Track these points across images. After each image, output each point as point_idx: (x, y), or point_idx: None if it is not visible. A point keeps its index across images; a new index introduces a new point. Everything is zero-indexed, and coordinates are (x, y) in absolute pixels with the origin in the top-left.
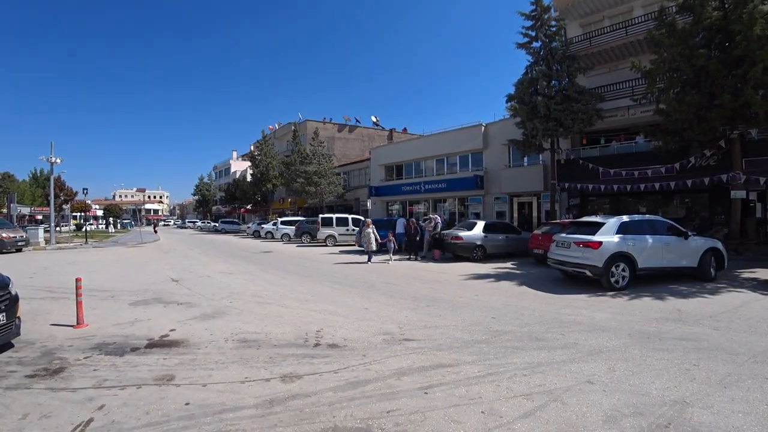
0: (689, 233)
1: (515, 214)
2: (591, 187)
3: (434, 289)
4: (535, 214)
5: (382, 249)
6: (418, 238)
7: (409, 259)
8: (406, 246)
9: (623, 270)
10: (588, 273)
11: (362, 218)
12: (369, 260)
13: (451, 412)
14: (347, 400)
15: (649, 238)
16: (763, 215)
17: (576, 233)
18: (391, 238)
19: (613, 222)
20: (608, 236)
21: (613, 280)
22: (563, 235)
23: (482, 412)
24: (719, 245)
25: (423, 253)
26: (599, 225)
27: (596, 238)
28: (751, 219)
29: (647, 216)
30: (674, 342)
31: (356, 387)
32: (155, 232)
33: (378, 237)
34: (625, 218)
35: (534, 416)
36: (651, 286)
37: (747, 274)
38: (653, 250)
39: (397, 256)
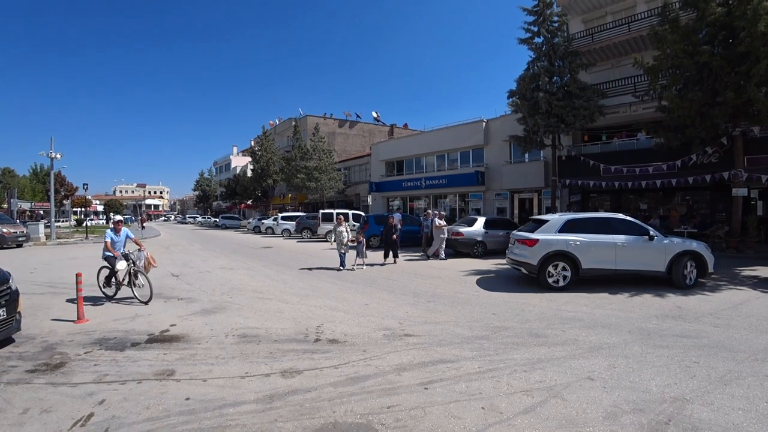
0: (656, 234)
1: (516, 211)
2: (592, 184)
3: (434, 285)
4: (535, 210)
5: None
6: (395, 237)
7: (383, 264)
8: (386, 245)
9: (563, 269)
10: (524, 270)
11: (362, 213)
12: (342, 265)
13: (451, 408)
14: (347, 395)
15: (599, 238)
16: (765, 213)
17: (525, 230)
18: (361, 239)
19: (557, 219)
20: (548, 234)
21: (551, 280)
22: (515, 232)
23: (482, 407)
24: (700, 248)
25: (430, 252)
26: (544, 222)
27: (533, 235)
28: (752, 217)
29: (603, 214)
30: (674, 339)
31: (356, 382)
32: (143, 227)
33: (348, 236)
34: (572, 215)
35: (534, 412)
36: (651, 284)
37: (747, 271)
38: (603, 251)
39: (368, 258)
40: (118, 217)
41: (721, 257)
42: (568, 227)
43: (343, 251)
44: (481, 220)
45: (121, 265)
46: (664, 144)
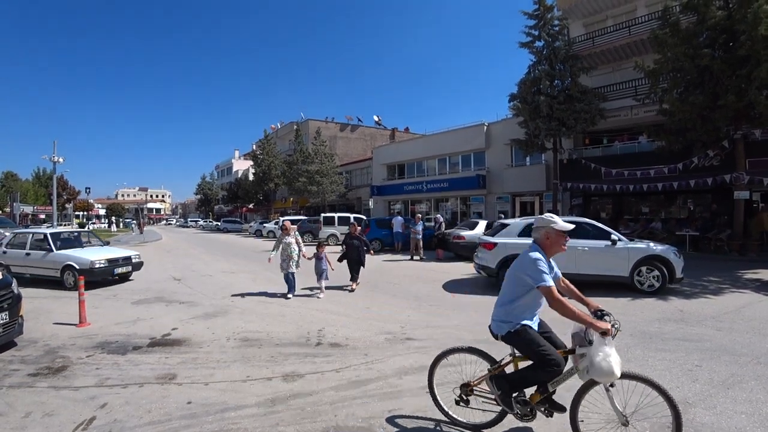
0: (619, 238)
1: (517, 214)
2: (593, 187)
3: (436, 289)
4: (537, 213)
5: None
6: (370, 252)
7: (349, 288)
8: (348, 264)
9: None
10: (483, 274)
11: (363, 217)
12: (290, 291)
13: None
14: (349, 399)
15: None
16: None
17: (489, 234)
18: (323, 254)
19: (517, 223)
20: (508, 238)
21: None
22: (480, 236)
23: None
24: (666, 252)
25: (420, 255)
26: (506, 227)
27: (492, 239)
28: (754, 220)
29: (566, 218)
30: (676, 342)
31: (358, 386)
32: (141, 232)
33: (301, 250)
34: (533, 219)
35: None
36: None
37: (750, 275)
38: (563, 255)
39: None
40: (565, 225)
41: (723, 260)
42: (529, 231)
43: (291, 271)
44: (482, 224)
45: None
46: (665, 147)
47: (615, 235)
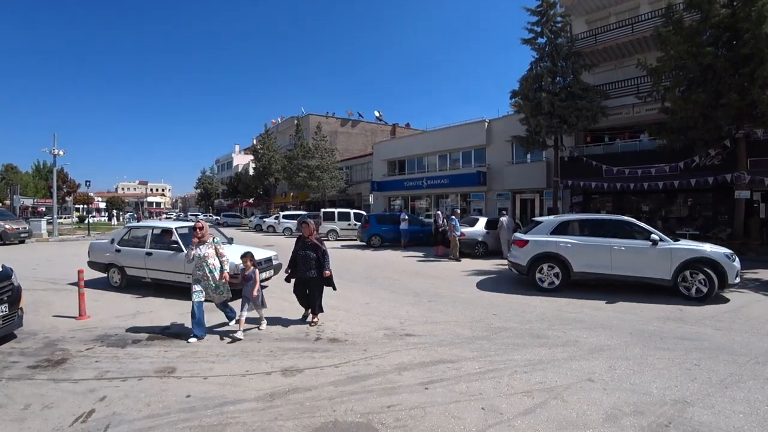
0: (661, 238)
1: (518, 211)
2: (594, 185)
3: (436, 285)
4: (537, 211)
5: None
6: (325, 272)
7: (304, 320)
8: (295, 286)
9: (554, 272)
10: (515, 271)
11: (363, 213)
12: (196, 332)
13: (451, 408)
14: (348, 394)
15: (592, 240)
16: (767, 216)
17: (522, 231)
18: (250, 269)
19: (551, 221)
20: (540, 236)
21: (542, 282)
22: (516, 233)
23: (482, 408)
24: (716, 255)
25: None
26: (539, 224)
27: (524, 236)
28: (754, 219)
29: (602, 216)
30: (675, 341)
31: (357, 381)
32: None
33: (224, 267)
34: (568, 217)
35: (534, 413)
36: (654, 287)
37: (749, 274)
38: (596, 254)
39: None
40: None
41: None
42: (562, 229)
43: (200, 300)
44: (482, 221)
45: None
46: (666, 146)
47: (656, 235)
